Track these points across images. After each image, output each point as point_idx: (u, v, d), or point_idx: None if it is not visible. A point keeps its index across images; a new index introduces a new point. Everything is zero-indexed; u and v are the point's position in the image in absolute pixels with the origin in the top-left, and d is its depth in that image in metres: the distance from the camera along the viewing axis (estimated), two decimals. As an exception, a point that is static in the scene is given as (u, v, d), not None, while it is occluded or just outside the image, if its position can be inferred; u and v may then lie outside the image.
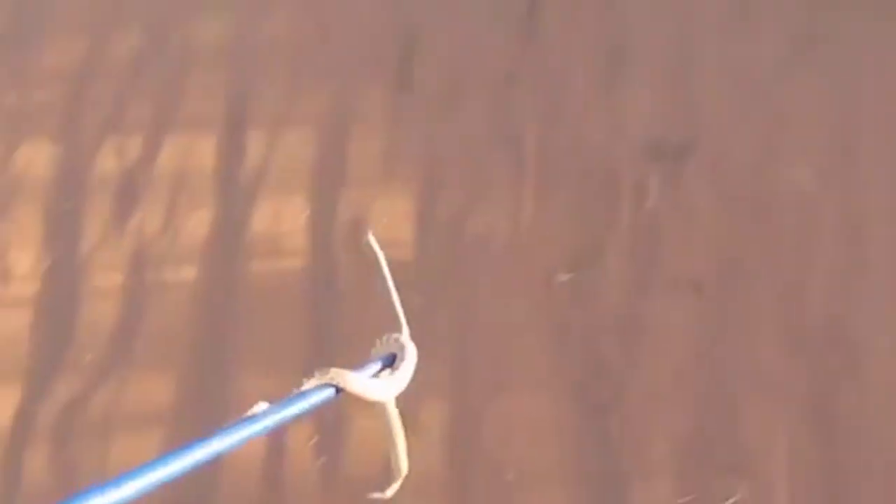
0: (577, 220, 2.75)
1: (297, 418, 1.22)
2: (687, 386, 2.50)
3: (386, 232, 2.80)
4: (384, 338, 1.74)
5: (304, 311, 2.73)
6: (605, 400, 2.49)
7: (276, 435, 2.55)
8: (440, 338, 2.64)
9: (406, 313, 2.86)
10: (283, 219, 2.90)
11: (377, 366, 1.53)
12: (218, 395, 2.65)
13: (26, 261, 3.02)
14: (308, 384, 1.32)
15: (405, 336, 1.55)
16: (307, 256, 2.82)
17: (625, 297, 2.62)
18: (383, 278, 1.60)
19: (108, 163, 3.10)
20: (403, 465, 1.49)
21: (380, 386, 1.47)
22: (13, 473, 2.73)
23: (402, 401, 2.58)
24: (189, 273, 2.87)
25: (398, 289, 2.72)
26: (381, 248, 2.88)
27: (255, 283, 2.82)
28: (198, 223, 2.94)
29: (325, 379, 1.32)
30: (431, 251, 2.77)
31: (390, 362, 1.56)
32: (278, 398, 2.60)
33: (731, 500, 2.35)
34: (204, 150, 3.06)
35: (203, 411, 2.62)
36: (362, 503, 2.49)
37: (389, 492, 1.51)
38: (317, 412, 2.55)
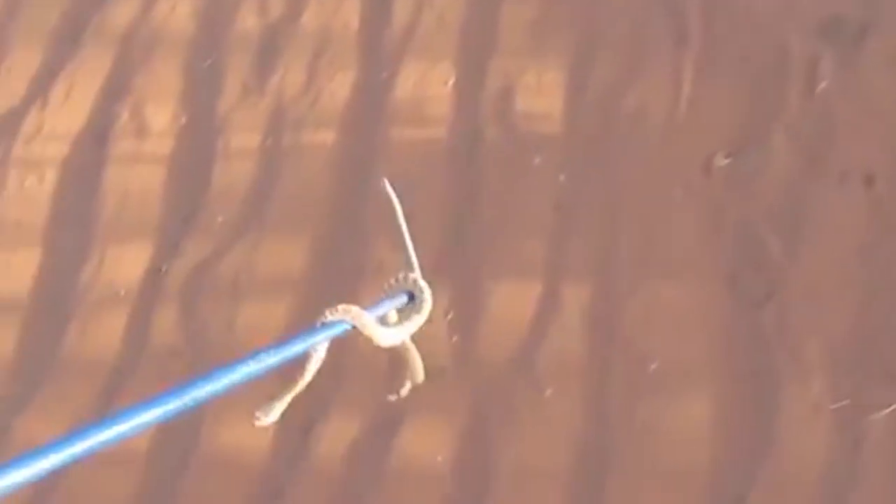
0: (741, 101, 2.55)
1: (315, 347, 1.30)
2: (849, 284, 2.32)
3: (534, 104, 2.66)
4: (399, 276, 1.85)
5: (445, 181, 2.61)
6: (759, 293, 2.33)
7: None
8: (584, 218, 2.50)
9: (551, 190, 2.75)
10: (427, 85, 2.77)
11: (402, 299, 1.70)
12: (350, 264, 2.56)
13: (163, 117, 2.96)
14: (331, 317, 1.46)
15: (419, 279, 1.68)
16: (450, 125, 2.69)
17: (788, 186, 2.44)
18: (397, 220, 1.77)
19: (249, 19, 3.00)
20: (419, 376, 1.62)
21: (390, 334, 1.62)
22: (141, 331, 2.69)
23: (543, 278, 2.45)
24: (328, 137, 2.77)
25: (545, 164, 2.60)
26: (529, 120, 2.76)
27: (396, 149, 2.70)
28: (339, 85, 2.83)
29: (347, 317, 1.46)
30: (581, 126, 2.61)
31: (411, 299, 1.72)
32: (413, 270, 2.48)
33: (889, 409, 2.18)
34: (349, 10, 2.94)
35: (335, 279, 2.54)
36: (492, 383, 2.41)
37: (403, 391, 1.68)
38: (452, 290, 2.45)
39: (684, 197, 2.46)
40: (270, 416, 1.74)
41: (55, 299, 2.86)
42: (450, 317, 2.44)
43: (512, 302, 2.42)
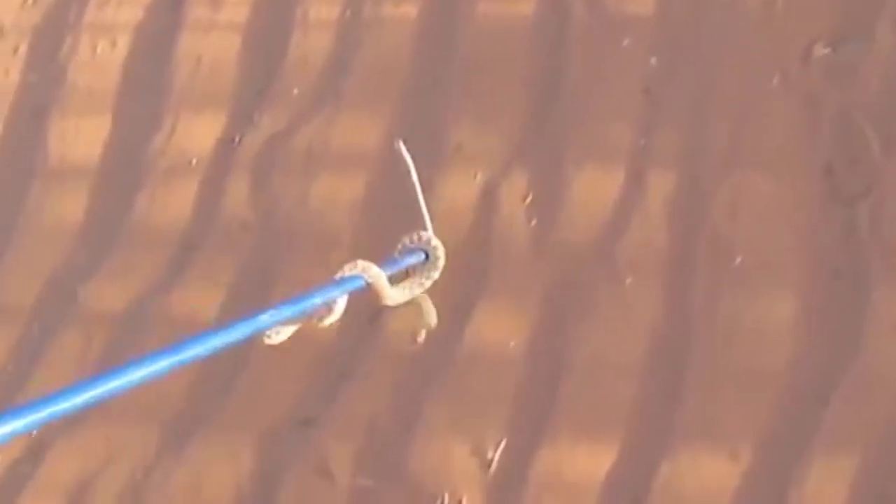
0: (846, -13, 2.42)
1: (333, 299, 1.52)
2: (952, 184, 2.21)
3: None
4: (412, 235, 1.89)
5: (530, 61, 2.51)
6: (854, 190, 2.22)
7: (491, 189, 2.37)
8: (673, 103, 2.39)
9: (641, 73, 2.61)
10: (515, -41, 2.65)
11: (420, 257, 1.84)
12: (427, 144, 2.48)
13: (238, -16, 2.88)
14: (350, 272, 1.63)
15: (433, 238, 1.83)
16: (537, 2, 2.57)
17: (890, 79, 2.31)
18: (411, 181, 1.93)
19: None
20: (432, 321, 1.82)
21: (398, 294, 1.78)
22: (212, 202, 2.65)
23: (628, 165, 2.36)
24: (410, 9, 2.68)
25: (634, 46, 2.45)
26: (620, -1, 2.55)
27: (481, 25, 2.60)
28: (424, -45, 2.72)
29: (365, 275, 1.62)
30: (674, 8, 2.49)
31: (426, 257, 1.87)
32: (491, 150, 2.39)
33: None
34: None
35: (411, 157, 2.46)
36: (570, 270, 2.33)
37: (420, 338, 1.88)
38: (532, 174, 2.36)
39: (780, 86, 2.34)
40: (280, 335, 1.78)
41: (125, 167, 2.82)
42: (528, 200, 2.36)
43: (594, 188, 2.33)
